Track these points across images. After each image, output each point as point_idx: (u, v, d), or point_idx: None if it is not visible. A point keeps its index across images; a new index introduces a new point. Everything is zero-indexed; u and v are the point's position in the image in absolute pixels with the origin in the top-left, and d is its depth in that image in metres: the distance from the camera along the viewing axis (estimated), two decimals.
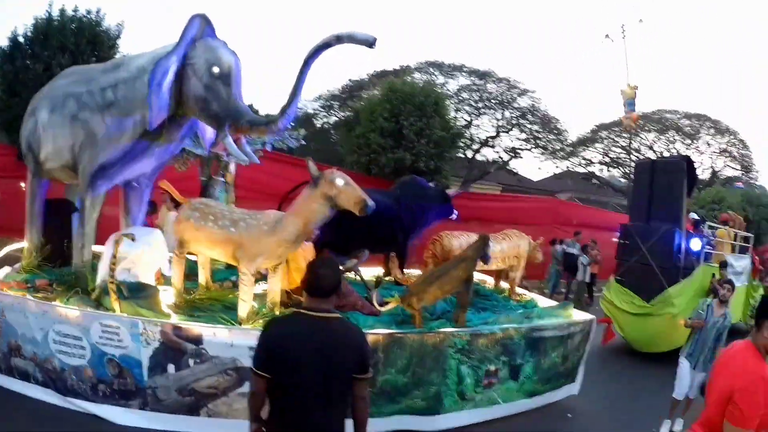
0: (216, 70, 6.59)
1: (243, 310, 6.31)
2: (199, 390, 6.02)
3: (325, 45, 6.32)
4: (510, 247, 9.36)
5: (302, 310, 3.70)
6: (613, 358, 12.26)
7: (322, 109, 30.45)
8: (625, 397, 9.59)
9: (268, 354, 3.57)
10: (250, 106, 7.38)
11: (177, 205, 8.93)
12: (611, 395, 9.59)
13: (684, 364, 7.94)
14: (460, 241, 8.85)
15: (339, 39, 6.26)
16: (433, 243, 8.99)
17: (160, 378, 6.03)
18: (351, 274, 7.89)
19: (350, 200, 5.86)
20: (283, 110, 6.55)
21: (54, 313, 6.31)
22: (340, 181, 5.88)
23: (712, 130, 39.92)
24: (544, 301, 9.60)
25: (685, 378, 7.84)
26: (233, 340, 5.90)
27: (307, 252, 7.33)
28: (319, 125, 29.99)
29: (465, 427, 7.24)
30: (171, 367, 5.99)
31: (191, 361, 5.96)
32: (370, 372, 3.75)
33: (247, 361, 5.52)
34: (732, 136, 40.44)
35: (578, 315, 8.80)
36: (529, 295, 9.99)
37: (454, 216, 9.15)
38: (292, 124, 8.97)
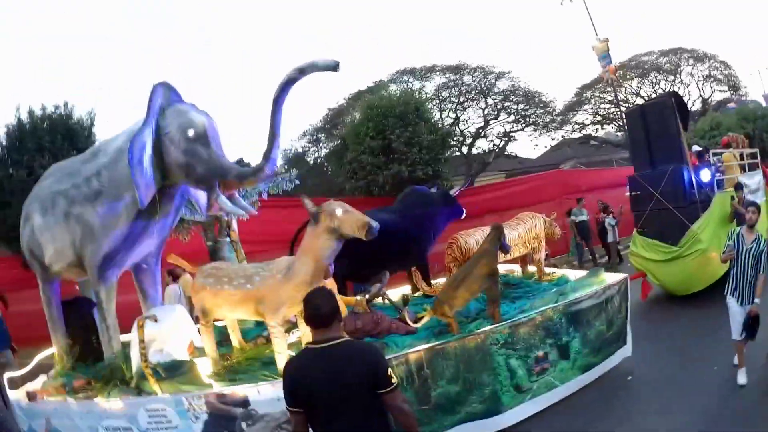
0: (191, 133, 6.56)
1: (281, 362, 6.17)
2: None
3: (291, 81, 6.29)
4: (526, 230, 9.31)
5: (310, 345, 3.90)
6: (657, 309, 12.25)
7: (310, 145, 30.38)
8: (679, 345, 9.52)
9: (291, 391, 3.75)
10: (240, 160, 7.36)
11: (175, 278, 8.97)
12: (665, 347, 9.52)
13: (731, 302, 7.62)
14: (475, 238, 8.82)
15: (302, 71, 6.24)
16: (450, 246, 8.96)
17: None
18: (378, 299, 7.87)
19: (354, 226, 5.78)
20: (266, 155, 6.52)
21: (98, 409, 6.25)
22: (339, 210, 5.82)
23: (691, 60, 39.87)
24: (574, 274, 9.50)
25: (737, 315, 7.48)
26: (279, 394, 5.69)
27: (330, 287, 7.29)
28: (311, 161, 29.88)
29: (533, 416, 7.22)
30: None
31: (243, 425, 5.86)
32: (393, 383, 3.74)
33: None
34: (712, 60, 40.44)
35: (611, 277, 8.73)
36: (558, 272, 9.91)
37: (463, 215, 9.07)
38: (285, 166, 8.96)
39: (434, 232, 8.82)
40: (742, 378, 7.45)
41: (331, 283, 7.21)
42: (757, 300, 7.23)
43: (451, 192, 9.11)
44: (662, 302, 12.57)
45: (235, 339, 7.28)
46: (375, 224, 5.72)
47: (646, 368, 8.63)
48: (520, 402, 7.11)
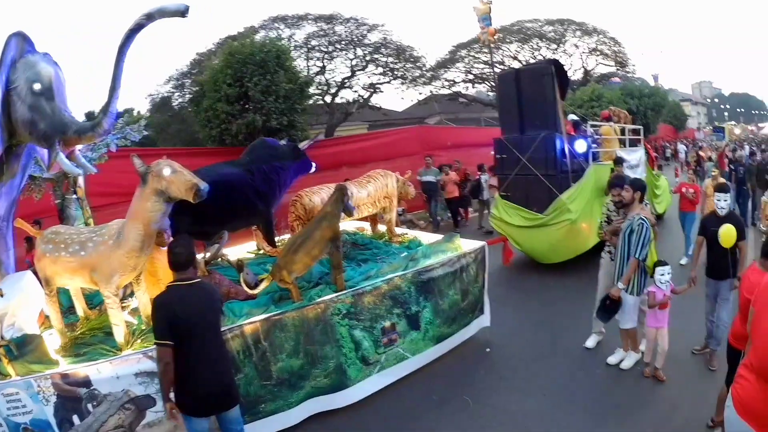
0: (37, 86, 6.07)
1: (119, 335, 5.93)
2: None
3: (137, 27, 5.90)
4: (377, 188, 9.12)
5: (175, 283, 4.80)
6: (521, 276, 12.29)
7: (175, 90, 29.69)
8: (541, 315, 9.56)
9: (167, 323, 4.57)
10: (92, 113, 6.84)
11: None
12: (527, 317, 9.54)
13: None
14: (321, 196, 8.52)
15: (150, 17, 5.87)
16: (293, 204, 8.65)
17: None
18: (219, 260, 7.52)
19: (181, 188, 5.46)
20: (105, 108, 6.14)
21: None
22: (167, 171, 5.48)
23: (578, 33, 41.12)
24: (428, 238, 9.34)
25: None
26: (118, 372, 5.49)
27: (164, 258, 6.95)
28: (176, 106, 29.29)
29: (384, 389, 7.12)
30: (75, 418, 5.53)
31: (89, 406, 5.52)
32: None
33: (138, 389, 5.50)
34: (601, 35, 41.67)
35: (468, 244, 8.57)
36: (411, 233, 9.76)
37: (312, 169, 8.69)
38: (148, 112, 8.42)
39: (281, 188, 8.39)
40: (613, 358, 7.60)
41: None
42: (620, 284, 7.11)
43: (302, 145, 8.67)
44: (528, 268, 12.66)
45: (80, 308, 6.90)
46: (204, 186, 5.48)
47: (507, 340, 8.60)
48: (368, 375, 7.00)
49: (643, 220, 7.06)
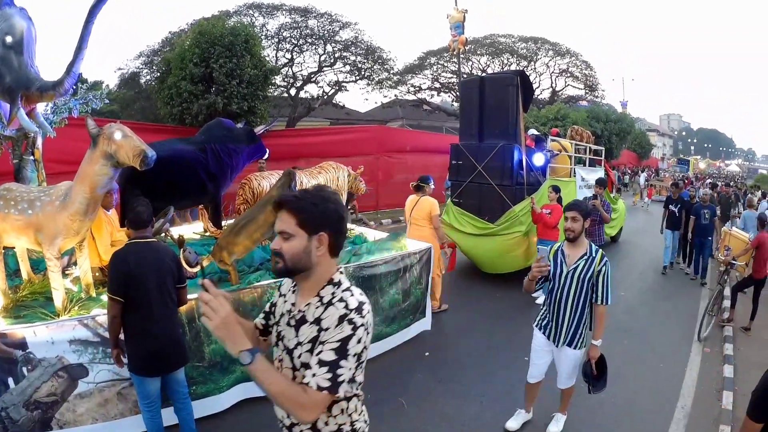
0: (9, 39, 6.14)
1: (57, 300, 5.79)
2: (42, 400, 5.46)
3: None
4: (327, 180, 9.15)
5: (134, 240, 5.05)
6: (464, 282, 12.32)
7: (144, 66, 29.54)
8: (483, 323, 9.54)
9: (120, 277, 4.77)
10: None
11: None
12: (468, 324, 9.49)
13: (536, 335, 6.03)
14: (270, 181, 8.52)
15: None
16: (242, 187, 8.64)
17: (7, 396, 5.39)
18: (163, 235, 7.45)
19: (129, 153, 5.36)
20: (69, 68, 6.22)
21: None
22: (118, 135, 5.38)
23: (551, 52, 41.59)
24: (374, 234, 9.41)
25: (541, 354, 6.00)
26: (53, 337, 5.37)
27: (112, 222, 6.92)
28: (144, 83, 29.11)
29: None
30: (10, 381, 5.37)
31: (24, 370, 5.38)
32: (185, 282, 5.25)
33: (71, 357, 5.43)
34: (574, 58, 42.18)
35: (413, 245, 8.58)
36: (357, 229, 9.74)
37: (266, 155, 8.68)
38: (117, 86, 8.29)
39: (232, 170, 8.34)
40: (513, 423, 6.29)
41: (113, 217, 7.00)
42: (595, 342, 5.62)
43: (257, 130, 8.62)
44: (472, 276, 12.72)
45: (25, 271, 6.75)
46: (151, 153, 5.41)
47: (447, 345, 8.57)
48: None
49: (604, 255, 5.60)
